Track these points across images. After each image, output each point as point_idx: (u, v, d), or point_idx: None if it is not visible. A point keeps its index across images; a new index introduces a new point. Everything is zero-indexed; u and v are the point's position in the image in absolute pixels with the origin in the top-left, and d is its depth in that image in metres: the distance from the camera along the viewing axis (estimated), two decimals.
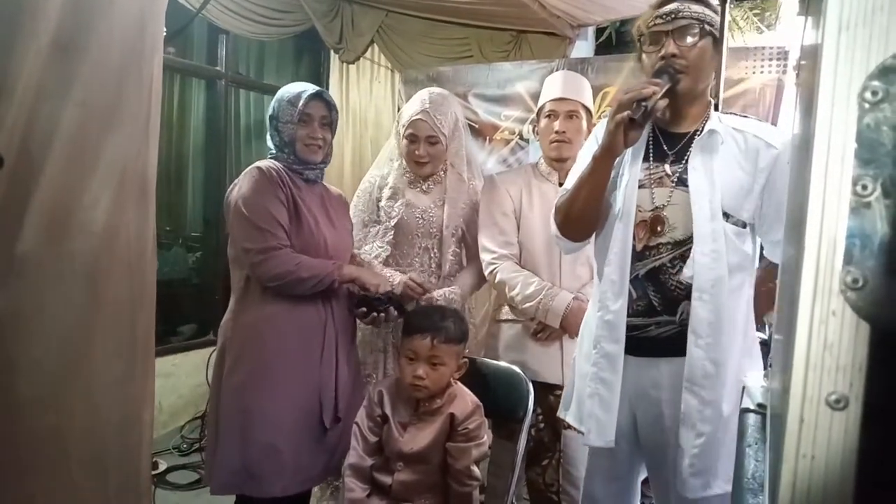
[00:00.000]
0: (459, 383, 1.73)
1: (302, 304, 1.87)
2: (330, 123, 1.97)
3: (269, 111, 1.94)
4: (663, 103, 1.47)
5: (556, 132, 2.14)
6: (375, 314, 1.97)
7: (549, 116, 2.18)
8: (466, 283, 2.30)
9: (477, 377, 1.84)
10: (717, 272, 1.46)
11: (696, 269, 1.46)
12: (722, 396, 1.47)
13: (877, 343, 0.42)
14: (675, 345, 1.49)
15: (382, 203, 2.33)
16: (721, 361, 1.46)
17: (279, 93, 1.94)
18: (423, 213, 2.29)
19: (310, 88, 1.92)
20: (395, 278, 2.16)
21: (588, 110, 2.20)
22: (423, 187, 2.32)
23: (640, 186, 1.53)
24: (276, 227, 1.81)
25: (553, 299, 2.07)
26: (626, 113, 1.39)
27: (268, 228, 1.80)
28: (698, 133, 1.52)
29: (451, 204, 2.30)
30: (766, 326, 1.88)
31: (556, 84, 2.22)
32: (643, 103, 1.39)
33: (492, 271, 2.18)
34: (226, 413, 1.85)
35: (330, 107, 1.95)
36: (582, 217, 1.59)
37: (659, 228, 1.50)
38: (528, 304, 2.10)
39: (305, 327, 1.88)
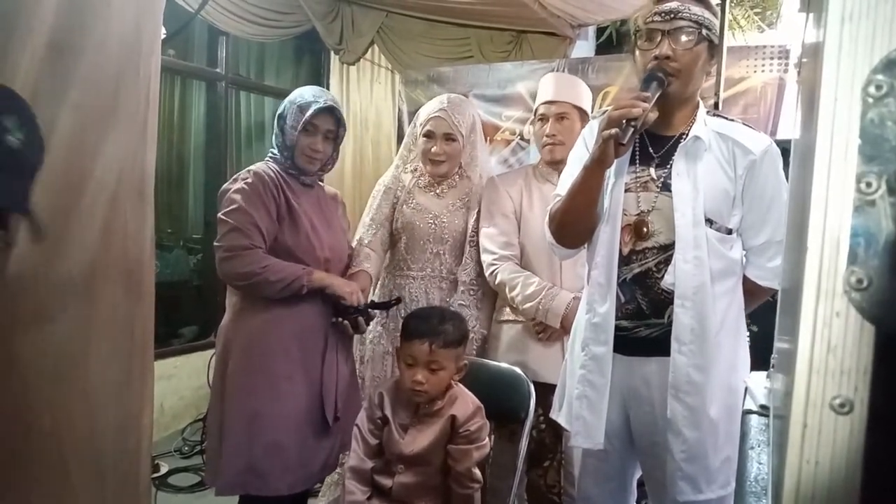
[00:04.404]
0: (460, 385, 1.72)
1: (305, 306, 1.87)
2: (335, 138, 1.95)
3: (279, 109, 1.91)
4: (654, 116, 1.44)
5: (547, 135, 2.16)
6: (349, 323, 1.95)
7: (541, 119, 2.20)
8: (487, 307, 2.28)
9: (478, 378, 1.83)
10: (700, 279, 1.45)
11: (678, 275, 1.46)
12: (708, 401, 1.46)
13: (882, 345, 0.41)
14: (664, 345, 1.48)
15: (385, 210, 2.30)
16: (706, 367, 1.46)
17: (293, 94, 1.91)
18: (434, 219, 2.25)
19: (322, 99, 1.88)
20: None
21: (582, 111, 2.18)
22: (438, 191, 2.30)
23: (626, 190, 1.52)
24: (252, 230, 1.79)
25: (553, 299, 2.06)
26: (614, 131, 1.37)
27: (242, 229, 1.78)
28: (684, 137, 1.51)
29: (471, 210, 2.26)
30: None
31: (546, 87, 2.24)
32: (632, 123, 1.37)
33: (492, 272, 2.17)
34: (230, 414, 1.86)
35: (338, 122, 1.94)
36: (576, 225, 1.58)
37: (644, 231, 1.50)
38: (528, 305, 2.09)
39: (308, 329, 1.89)
